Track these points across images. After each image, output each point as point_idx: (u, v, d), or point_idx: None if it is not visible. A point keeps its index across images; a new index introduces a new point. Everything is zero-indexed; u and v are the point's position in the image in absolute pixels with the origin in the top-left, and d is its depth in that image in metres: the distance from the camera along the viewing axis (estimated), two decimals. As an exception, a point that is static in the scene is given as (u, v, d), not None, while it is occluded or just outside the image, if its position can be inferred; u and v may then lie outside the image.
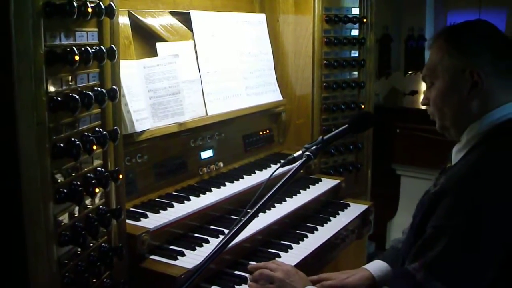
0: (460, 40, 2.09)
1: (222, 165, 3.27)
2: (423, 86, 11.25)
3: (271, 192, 2.20)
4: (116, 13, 2.12)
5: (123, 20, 2.73)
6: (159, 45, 2.93)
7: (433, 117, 2.21)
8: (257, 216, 2.72)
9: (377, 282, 2.48)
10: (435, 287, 1.85)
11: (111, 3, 2.10)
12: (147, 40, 2.94)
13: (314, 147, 2.37)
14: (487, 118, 2.05)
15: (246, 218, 2.13)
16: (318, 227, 3.09)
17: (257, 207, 2.14)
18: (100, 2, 2.03)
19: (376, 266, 2.54)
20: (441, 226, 1.90)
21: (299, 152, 2.39)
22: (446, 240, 1.87)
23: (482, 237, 1.85)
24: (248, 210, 2.18)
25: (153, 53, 2.92)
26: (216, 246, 2.06)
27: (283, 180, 2.23)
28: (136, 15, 2.86)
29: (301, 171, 3.47)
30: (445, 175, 2.07)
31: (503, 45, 2.09)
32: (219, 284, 2.45)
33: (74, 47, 1.88)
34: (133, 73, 2.67)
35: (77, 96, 1.89)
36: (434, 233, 1.92)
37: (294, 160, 2.38)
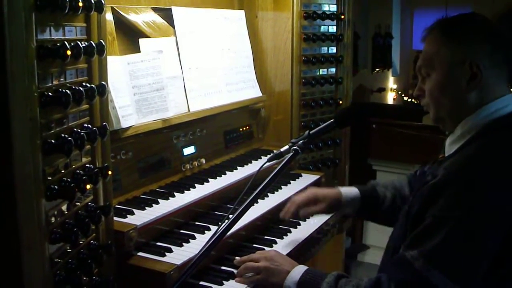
0: (458, 32, 2.10)
1: (204, 161, 3.26)
2: (390, 83, 11.43)
3: (260, 187, 2.22)
4: (104, 8, 2.10)
5: (107, 15, 2.69)
6: (142, 41, 2.91)
7: (427, 108, 2.23)
8: (247, 210, 2.76)
9: (343, 199, 2.72)
10: (433, 276, 1.88)
11: (100, -3, 2.08)
12: (129, 36, 2.91)
13: (301, 141, 2.40)
14: (483, 111, 2.07)
15: (237, 213, 2.15)
16: (300, 222, 3.11)
17: (248, 200, 2.15)
18: (90, -4, 2.01)
19: (348, 188, 2.81)
20: (442, 217, 1.93)
21: (286, 147, 2.41)
22: (446, 230, 1.89)
23: (483, 230, 1.89)
24: (236, 207, 2.19)
25: (136, 49, 2.89)
26: (207, 243, 2.06)
27: (272, 175, 2.25)
28: (119, 11, 2.83)
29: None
30: (442, 166, 2.08)
31: (498, 36, 2.11)
32: (207, 280, 2.44)
33: (65, 42, 1.86)
34: (117, 69, 2.65)
35: (69, 92, 1.86)
36: (434, 222, 1.94)
37: (281, 154, 2.40)
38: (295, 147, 2.37)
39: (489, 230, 1.89)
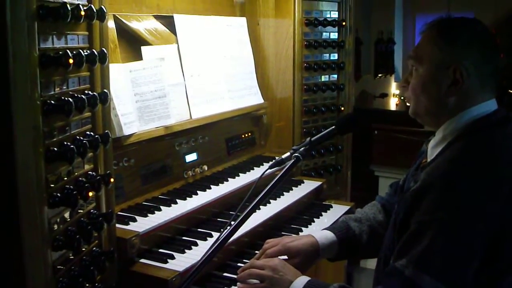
0: (452, 36, 2.10)
1: (206, 168, 3.28)
2: (393, 89, 11.43)
3: (262, 194, 2.21)
4: (106, 16, 2.12)
5: (109, 23, 2.71)
6: (144, 49, 2.93)
7: (408, 101, 2.24)
8: (250, 217, 2.76)
9: (320, 249, 2.50)
10: (424, 281, 1.87)
11: (102, 6, 2.09)
12: (132, 44, 2.93)
13: (302, 148, 2.40)
14: (464, 115, 2.07)
15: (239, 219, 2.14)
16: (302, 228, 3.12)
17: (250, 207, 2.15)
18: (92, 5, 2.03)
19: (322, 234, 2.56)
20: (425, 221, 1.92)
21: (287, 154, 2.41)
22: (431, 234, 1.88)
23: (467, 229, 1.88)
24: (238, 213, 2.19)
25: (138, 56, 2.91)
26: (209, 249, 2.06)
27: (274, 181, 2.25)
28: (121, 19, 2.86)
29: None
30: (424, 171, 2.08)
31: (492, 49, 2.11)
32: (209, 286, 2.46)
33: (67, 50, 1.87)
34: (119, 77, 2.66)
35: (71, 100, 1.88)
36: (419, 228, 1.93)
37: (283, 161, 2.40)
38: (296, 154, 2.37)
39: (473, 230, 1.88)
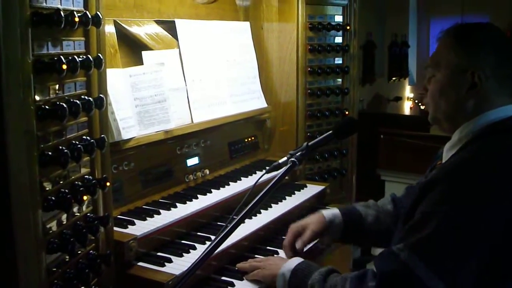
0: (468, 41, 2.14)
1: (208, 172, 3.29)
2: (407, 92, 11.39)
3: (256, 199, 2.23)
4: (102, 22, 2.14)
5: (109, 28, 2.75)
6: (144, 54, 2.95)
7: (427, 107, 2.29)
8: (243, 222, 2.75)
9: (327, 220, 2.72)
10: (418, 267, 1.89)
11: (98, 12, 2.12)
12: (132, 48, 2.96)
13: (299, 153, 2.41)
14: (481, 118, 2.11)
15: (231, 225, 2.15)
16: (303, 232, 3.11)
17: (242, 213, 2.16)
18: (87, 12, 2.05)
19: (329, 211, 2.80)
20: (429, 212, 1.95)
21: (284, 159, 2.42)
22: (433, 225, 1.91)
23: (471, 227, 1.89)
24: (234, 217, 2.20)
25: (139, 61, 2.94)
26: (203, 252, 2.08)
27: (268, 187, 2.26)
28: (122, 24, 2.88)
29: (286, 178, 3.53)
30: (437, 169, 2.14)
31: (508, 52, 2.15)
32: (207, 290, 2.48)
33: (61, 56, 1.90)
34: (119, 82, 2.69)
35: (64, 105, 1.90)
36: (422, 218, 1.96)
37: (279, 166, 2.41)
38: (292, 159, 2.38)
39: (475, 228, 1.89)
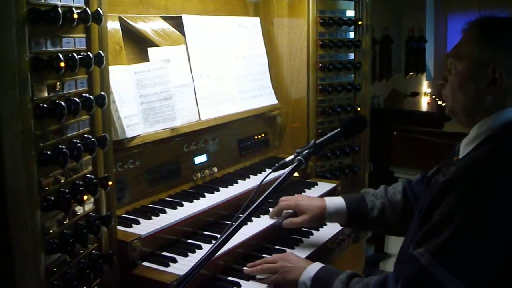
0: (493, 35, 2.10)
1: (216, 170, 3.25)
2: (424, 88, 11.29)
3: (262, 197, 2.20)
4: (103, 18, 2.10)
5: (114, 25, 2.72)
6: (150, 50, 2.91)
7: (445, 98, 2.25)
8: (250, 221, 2.74)
9: (327, 212, 2.73)
10: (439, 272, 1.88)
11: (99, 9, 2.08)
12: (138, 45, 2.92)
13: (306, 151, 2.39)
14: (501, 115, 2.08)
15: (237, 223, 2.13)
16: (313, 231, 3.05)
17: (248, 212, 2.14)
18: (87, 8, 2.01)
19: (333, 200, 2.80)
20: (449, 214, 1.92)
21: (291, 157, 2.39)
22: (452, 227, 1.89)
23: (490, 228, 1.88)
24: (240, 215, 2.18)
25: (145, 58, 2.90)
26: (207, 251, 2.05)
27: (274, 185, 2.23)
28: (127, 20, 2.84)
29: (297, 175, 3.50)
30: (455, 166, 2.10)
31: None
32: (213, 290, 2.44)
33: (60, 54, 1.86)
34: (124, 79, 2.65)
35: (63, 103, 1.86)
36: (442, 220, 1.94)
37: (286, 164, 2.39)
38: (299, 157, 2.35)
39: (497, 229, 1.88)
